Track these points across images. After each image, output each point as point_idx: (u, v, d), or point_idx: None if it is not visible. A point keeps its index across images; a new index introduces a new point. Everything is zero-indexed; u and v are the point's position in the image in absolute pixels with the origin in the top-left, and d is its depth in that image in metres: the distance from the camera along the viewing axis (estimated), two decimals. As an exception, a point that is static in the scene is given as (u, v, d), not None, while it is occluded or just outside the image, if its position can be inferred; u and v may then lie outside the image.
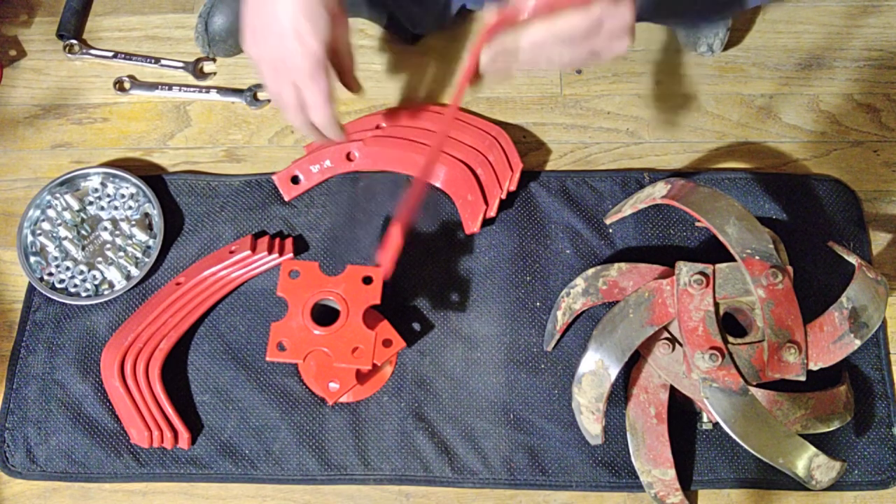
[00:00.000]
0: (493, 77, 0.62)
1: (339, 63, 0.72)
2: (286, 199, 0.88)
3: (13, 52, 0.99)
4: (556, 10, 0.57)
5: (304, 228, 0.87)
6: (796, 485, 0.70)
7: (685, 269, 0.73)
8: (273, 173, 0.89)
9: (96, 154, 0.93)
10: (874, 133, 0.91)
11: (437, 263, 0.85)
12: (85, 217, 0.88)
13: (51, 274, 0.85)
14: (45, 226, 0.87)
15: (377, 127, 0.90)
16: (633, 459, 0.74)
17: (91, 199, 0.89)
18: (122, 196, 0.88)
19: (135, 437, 0.78)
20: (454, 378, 0.81)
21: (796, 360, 0.69)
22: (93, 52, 0.98)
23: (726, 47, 0.93)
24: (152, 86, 0.96)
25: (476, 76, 0.62)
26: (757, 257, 0.71)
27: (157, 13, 1.01)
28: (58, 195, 0.88)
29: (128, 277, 0.85)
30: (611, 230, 0.86)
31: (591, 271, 0.79)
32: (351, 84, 0.75)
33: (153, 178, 0.90)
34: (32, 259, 0.86)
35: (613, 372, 0.71)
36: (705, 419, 0.75)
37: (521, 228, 0.86)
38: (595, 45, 0.61)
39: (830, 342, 0.71)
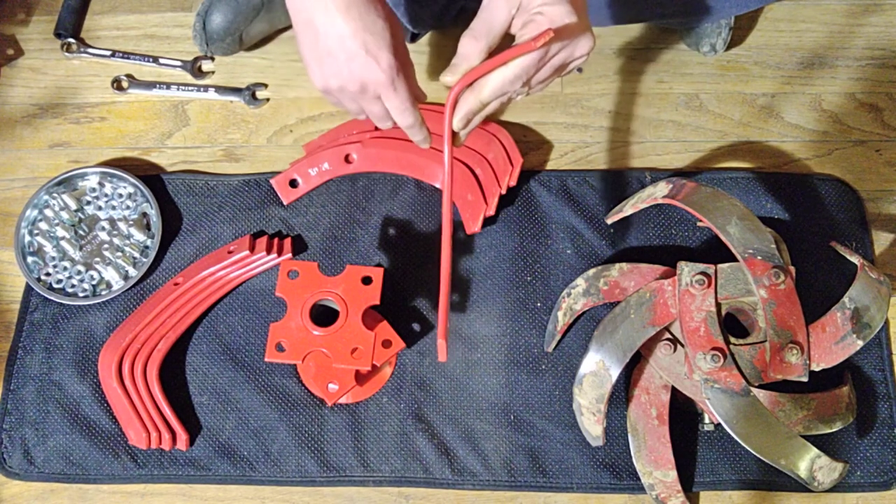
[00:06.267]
0: (469, 133, 0.66)
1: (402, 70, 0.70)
2: (284, 203, 0.87)
3: (11, 51, 0.99)
4: (505, 61, 0.60)
5: (303, 228, 0.87)
6: (798, 486, 0.70)
7: (687, 270, 0.72)
8: (272, 173, 0.88)
9: (94, 153, 0.93)
10: (876, 132, 0.91)
11: (437, 263, 0.84)
12: (82, 217, 0.88)
13: (48, 274, 0.85)
14: (43, 226, 0.87)
15: (375, 128, 0.90)
16: (634, 461, 0.74)
17: (89, 198, 0.88)
18: (120, 196, 0.88)
19: (133, 438, 0.77)
20: (454, 379, 0.80)
21: (798, 361, 0.69)
22: (91, 50, 0.98)
23: (728, 46, 0.93)
24: (150, 85, 0.96)
25: (455, 138, 0.65)
26: (759, 257, 0.71)
27: (155, 12, 1.01)
28: (55, 195, 0.87)
29: (125, 277, 0.85)
30: (612, 230, 0.85)
31: (592, 271, 0.79)
32: (414, 89, 0.71)
33: (151, 177, 0.89)
34: (30, 259, 0.85)
35: (614, 373, 0.71)
36: (707, 420, 0.75)
37: (521, 228, 0.86)
38: (555, 62, 0.61)
39: (833, 343, 0.71)
